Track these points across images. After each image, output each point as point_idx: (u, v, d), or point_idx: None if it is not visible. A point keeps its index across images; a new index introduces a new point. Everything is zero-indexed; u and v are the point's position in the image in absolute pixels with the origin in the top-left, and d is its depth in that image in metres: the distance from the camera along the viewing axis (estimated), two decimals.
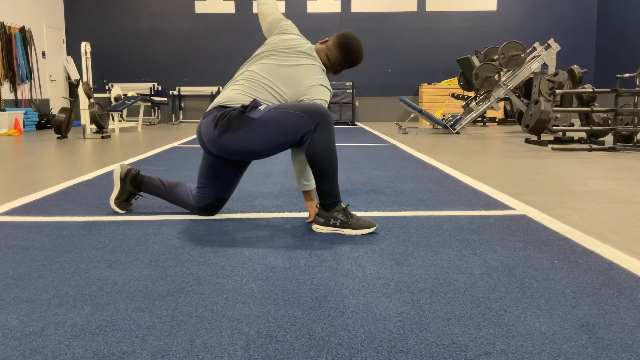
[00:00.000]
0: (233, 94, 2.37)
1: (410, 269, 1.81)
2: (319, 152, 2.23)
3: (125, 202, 2.71)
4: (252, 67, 2.45)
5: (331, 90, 2.45)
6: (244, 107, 2.28)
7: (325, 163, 2.25)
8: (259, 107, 2.31)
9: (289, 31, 2.57)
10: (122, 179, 2.68)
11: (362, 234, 2.26)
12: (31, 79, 10.80)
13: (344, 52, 2.47)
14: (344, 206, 2.30)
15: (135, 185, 2.68)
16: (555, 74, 7.85)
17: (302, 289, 1.63)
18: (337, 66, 2.51)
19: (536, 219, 2.54)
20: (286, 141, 2.26)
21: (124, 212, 2.71)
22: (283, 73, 2.40)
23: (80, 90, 8.42)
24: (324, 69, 2.50)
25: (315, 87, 2.39)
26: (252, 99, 2.33)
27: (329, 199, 2.29)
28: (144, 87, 12.43)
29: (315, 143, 2.23)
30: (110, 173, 4.12)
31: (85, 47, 8.41)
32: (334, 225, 2.28)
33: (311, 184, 2.47)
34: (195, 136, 8.09)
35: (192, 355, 1.22)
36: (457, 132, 8.26)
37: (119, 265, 1.88)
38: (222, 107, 2.35)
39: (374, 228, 2.28)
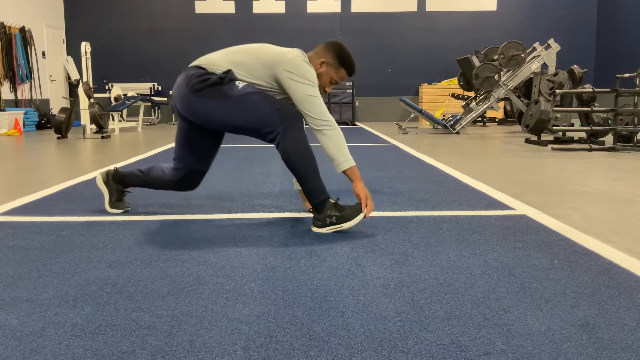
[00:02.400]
0: (212, 57, 2.39)
1: (410, 269, 1.81)
2: (293, 154, 2.26)
3: (118, 201, 2.72)
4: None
5: (315, 77, 2.33)
6: (221, 78, 2.30)
7: (302, 163, 2.27)
8: (236, 83, 2.32)
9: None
10: (106, 182, 2.70)
11: (359, 221, 2.29)
12: (31, 79, 10.80)
13: (336, 51, 2.42)
14: (334, 201, 2.31)
15: (118, 181, 2.70)
16: (555, 74, 7.85)
17: (302, 289, 1.63)
18: (331, 67, 2.43)
19: (536, 219, 2.54)
20: (251, 129, 2.31)
21: (123, 211, 2.71)
22: (266, 48, 2.39)
23: (80, 90, 8.42)
24: (312, 67, 2.39)
25: (294, 61, 2.31)
26: (228, 68, 2.33)
27: (317, 197, 2.30)
28: (144, 87, 12.43)
29: (287, 146, 2.26)
30: None
31: (85, 47, 8.41)
32: (331, 224, 2.29)
33: None
34: None
35: (192, 355, 1.22)
36: (457, 132, 8.26)
37: (119, 265, 1.88)
38: (198, 67, 2.38)
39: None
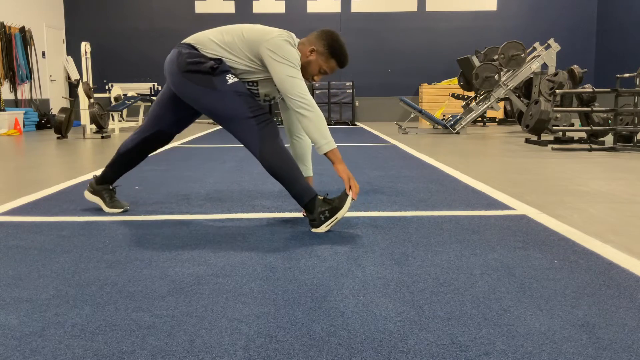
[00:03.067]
0: (205, 39, 2.41)
1: (410, 269, 1.81)
2: (273, 163, 2.31)
3: (114, 200, 2.74)
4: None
5: (297, 58, 2.31)
6: (212, 68, 2.33)
7: (283, 170, 2.31)
8: (227, 77, 2.35)
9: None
10: (93, 192, 2.75)
11: (350, 205, 2.35)
12: (31, 79, 10.80)
13: (328, 41, 2.38)
14: (322, 197, 2.33)
15: (101, 182, 2.73)
16: (555, 74, 7.85)
17: (302, 289, 1.63)
18: (321, 55, 2.39)
19: (536, 219, 2.54)
20: (225, 124, 2.39)
21: (122, 210, 2.72)
22: (254, 28, 2.40)
23: (80, 90, 8.42)
24: (296, 49, 2.37)
25: (276, 40, 2.30)
26: (219, 58, 2.36)
27: (305, 197, 2.32)
28: (144, 87, 12.43)
29: (266, 156, 2.32)
30: None
31: (85, 47, 8.41)
32: (326, 219, 2.30)
33: (309, 169, 2.64)
34: (195, 136, 8.09)
35: (192, 355, 1.21)
36: (457, 132, 8.26)
37: (119, 265, 1.88)
38: (192, 46, 2.41)
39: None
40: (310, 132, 2.26)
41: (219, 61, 2.36)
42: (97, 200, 2.74)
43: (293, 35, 2.41)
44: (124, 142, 2.68)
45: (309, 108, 2.25)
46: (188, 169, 4.39)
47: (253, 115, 2.33)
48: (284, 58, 2.27)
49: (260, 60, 2.35)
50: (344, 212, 2.29)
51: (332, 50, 2.39)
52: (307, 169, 2.67)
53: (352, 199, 2.30)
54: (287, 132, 2.65)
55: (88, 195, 2.76)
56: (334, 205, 2.29)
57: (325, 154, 2.29)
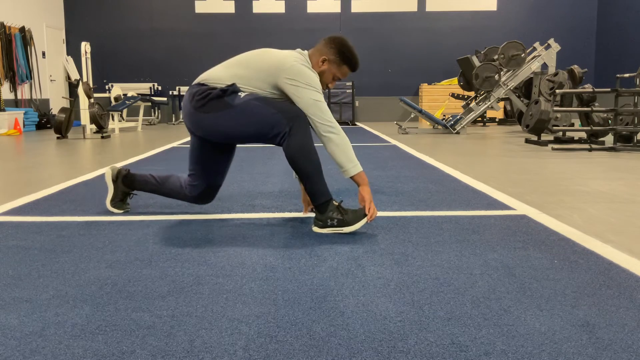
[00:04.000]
0: (215, 72, 2.39)
1: (410, 269, 1.81)
2: (298, 154, 2.25)
3: (120, 202, 2.71)
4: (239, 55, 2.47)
5: (317, 81, 2.32)
6: (223, 90, 2.30)
7: (306, 163, 2.27)
8: (239, 94, 2.32)
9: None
10: (114, 181, 2.70)
11: (361, 226, 2.28)
12: (31, 79, 10.80)
13: (338, 47, 2.39)
14: (337, 203, 2.31)
15: (127, 185, 2.69)
16: (555, 74, 7.85)
17: (302, 289, 1.63)
18: (333, 64, 2.40)
19: (536, 219, 2.54)
20: (257, 135, 2.31)
21: (122, 212, 2.71)
22: (265, 57, 2.36)
23: (80, 90, 8.42)
24: (314, 71, 2.38)
25: (295, 67, 2.30)
26: (232, 82, 2.33)
27: (320, 199, 2.30)
28: (144, 87, 12.43)
29: (292, 146, 2.25)
30: None
31: (85, 47, 8.41)
32: (332, 226, 2.29)
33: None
34: None
35: (192, 355, 1.21)
36: (457, 132, 8.26)
37: (119, 265, 1.88)
38: (202, 84, 2.38)
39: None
40: (337, 155, 2.27)
41: (230, 85, 2.32)
42: (109, 188, 2.70)
43: (305, 53, 2.41)
44: (179, 185, 2.61)
45: (335, 132, 2.26)
46: (188, 169, 4.39)
47: (279, 109, 2.27)
48: (306, 84, 2.28)
49: (281, 90, 2.34)
50: (352, 230, 2.28)
51: (343, 57, 2.40)
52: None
53: (368, 221, 2.29)
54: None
55: (107, 177, 2.70)
56: (346, 219, 2.27)
57: (351, 177, 2.29)
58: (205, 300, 1.55)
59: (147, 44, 12.47)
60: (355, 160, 2.29)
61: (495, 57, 8.70)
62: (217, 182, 2.59)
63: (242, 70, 2.35)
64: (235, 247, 2.10)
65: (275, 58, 2.33)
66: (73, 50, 12.27)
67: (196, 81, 2.43)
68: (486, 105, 8.42)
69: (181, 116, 2.31)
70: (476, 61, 9.17)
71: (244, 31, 12.35)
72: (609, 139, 6.89)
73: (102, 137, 7.72)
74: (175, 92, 12.48)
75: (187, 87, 12.42)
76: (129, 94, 11.21)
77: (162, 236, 2.26)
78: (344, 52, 2.39)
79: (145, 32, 12.45)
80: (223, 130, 2.32)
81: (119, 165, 4.63)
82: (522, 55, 8.21)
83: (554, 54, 8.48)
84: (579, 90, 6.21)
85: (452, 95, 10.21)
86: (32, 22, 11.00)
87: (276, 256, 1.97)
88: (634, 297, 1.55)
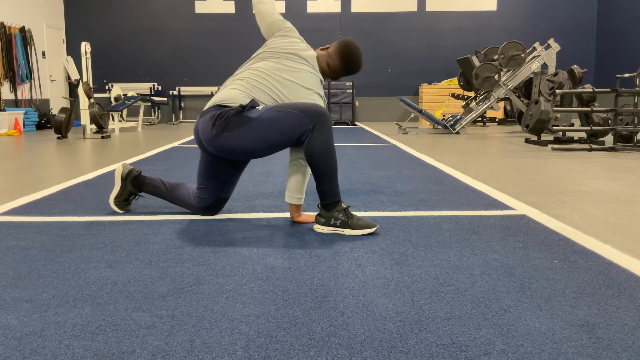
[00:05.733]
0: (231, 92, 2.38)
1: (410, 269, 1.81)
2: (318, 152, 2.25)
3: (124, 202, 2.71)
4: (253, 66, 2.47)
5: (325, 99, 2.52)
6: (242, 107, 2.29)
7: (325, 162, 2.26)
8: (257, 107, 2.33)
9: (291, 34, 2.58)
10: (123, 179, 2.68)
11: (362, 234, 2.26)
12: (31, 79, 10.80)
13: (345, 61, 2.51)
14: (345, 207, 2.31)
15: (135, 186, 2.68)
16: (555, 74, 7.85)
17: (302, 289, 1.63)
18: (336, 73, 2.55)
19: (536, 219, 2.54)
20: (284, 140, 2.29)
21: (123, 212, 2.71)
22: (284, 76, 2.41)
23: (80, 90, 8.42)
24: (322, 79, 2.54)
25: (314, 95, 2.43)
26: (250, 99, 2.34)
27: (329, 199, 2.29)
28: (144, 87, 12.43)
29: (313, 142, 2.25)
30: (111, 173, 4.12)
31: (85, 47, 8.41)
32: (335, 225, 2.29)
33: (303, 198, 2.47)
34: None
35: (192, 355, 1.22)
36: (457, 132, 8.26)
37: (119, 265, 1.88)
38: (220, 106, 2.35)
39: (375, 229, 2.27)
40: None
41: (250, 101, 2.33)
42: (117, 184, 2.69)
43: (314, 56, 2.53)
44: (187, 195, 2.62)
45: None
46: (188, 169, 4.39)
47: (300, 109, 2.27)
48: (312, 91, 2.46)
49: (272, 42, 2.57)
50: (353, 234, 2.26)
51: (345, 67, 2.53)
52: (300, 199, 2.46)
53: (369, 233, 2.27)
54: (291, 192, 2.48)
55: (117, 173, 2.69)
56: (350, 222, 2.27)
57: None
58: (205, 300, 1.55)
59: (147, 44, 12.47)
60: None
61: (495, 57, 8.70)
62: (226, 196, 2.61)
63: (260, 92, 2.41)
64: (235, 247, 2.10)
65: (299, 81, 2.48)
66: (73, 50, 12.27)
67: (212, 103, 2.39)
68: (486, 105, 8.42)
69: (194, 134, 2.32)
70: (476, 61, 9.17)
71: (244, 31, 12.35)
72: (608, 139, 6.89)
73: (102, 137, 7.72)
74: (175, 92, 12.48)
75: (187, 87, 12.52)
76: (129, 94, 11.21)
77: (162, 236, 2.26)
78: (347, 63, 2.53)
79: (145, 32, 12.45)
80: (249, 146, 2.30)
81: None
82: (522, 55, 8.21)
83: (554, 54, 8.48)
84: (579, 90, 6.22)
85: (452, 95, 10.21)
86: (32, 22, 11.00)
87: (276, 256, 1.97)
88: (634, 297, 1.55)
